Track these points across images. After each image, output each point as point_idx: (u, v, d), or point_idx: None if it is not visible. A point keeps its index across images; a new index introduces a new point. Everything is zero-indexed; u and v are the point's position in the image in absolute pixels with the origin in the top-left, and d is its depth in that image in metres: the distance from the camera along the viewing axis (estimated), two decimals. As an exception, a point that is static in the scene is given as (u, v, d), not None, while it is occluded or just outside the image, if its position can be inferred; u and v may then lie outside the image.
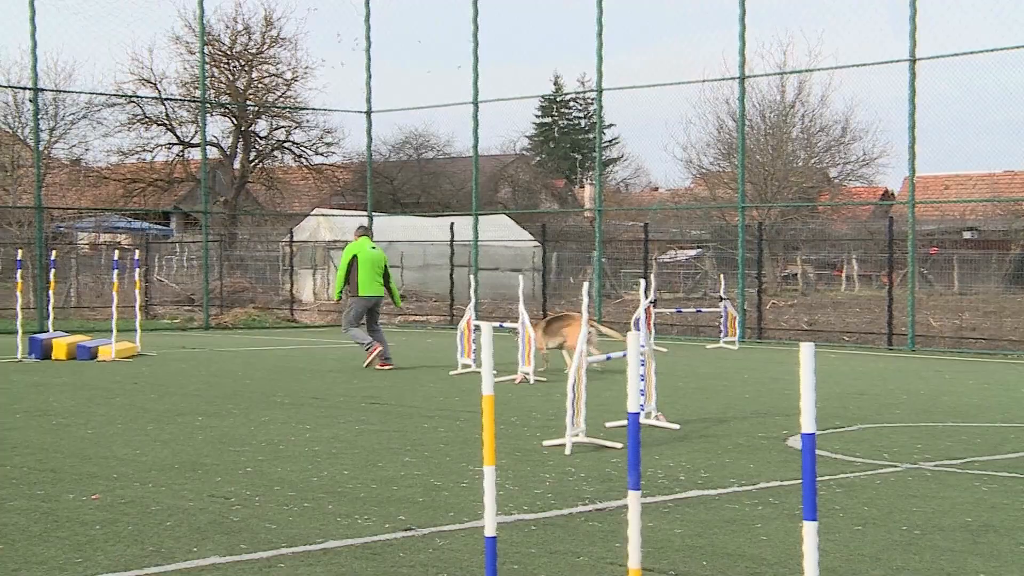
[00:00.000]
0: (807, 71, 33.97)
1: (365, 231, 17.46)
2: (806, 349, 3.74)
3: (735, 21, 23.37)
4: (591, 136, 58.58)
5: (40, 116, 28.84)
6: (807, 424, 3.76)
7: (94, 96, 35.26)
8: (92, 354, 17.36)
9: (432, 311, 30.50)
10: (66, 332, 18.85)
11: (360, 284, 16.57)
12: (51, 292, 19.02)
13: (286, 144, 41.98)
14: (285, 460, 8.63)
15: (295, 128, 41.57)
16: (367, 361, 16.29)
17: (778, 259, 36.40)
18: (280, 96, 40.88)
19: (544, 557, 5.83)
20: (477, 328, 15.29)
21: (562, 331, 15.22)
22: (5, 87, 32.03)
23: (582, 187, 56.58)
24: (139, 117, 39.09)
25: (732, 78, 25.40)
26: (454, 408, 11.90)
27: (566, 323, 15.29)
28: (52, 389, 13.56)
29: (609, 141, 57.36)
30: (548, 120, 62.91)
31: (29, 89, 27.71)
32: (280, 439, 9.66)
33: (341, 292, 17.26)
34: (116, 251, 22.47)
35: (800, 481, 4.37)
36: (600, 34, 24.93)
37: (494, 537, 4.42)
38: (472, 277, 20.22)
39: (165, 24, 51.74)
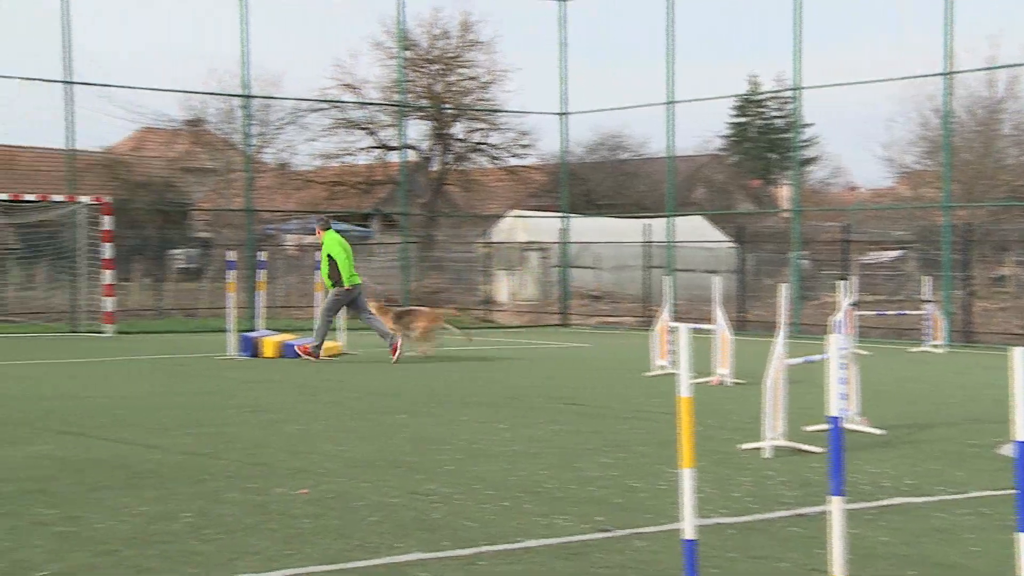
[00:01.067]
0: (1018, 65, 32.63)
1: (329, 223, 18.22)
2: (1018, 354, 3.61)
3: (940, 15, 22.65)
4: (788, 135, 57.55)
5: (250, 122, 29.96)
6: (1021, 431, 3.62)
7: (300, 102, 36.44)
8: (299, 352, 17.91)
9: (626, 313, 30.46)
10: (275, 331, 19.48)
11: (346, 275, 17.42)
12: (262, 292, 19.64)
13: (482, 146, 42.54)
14: (483, 459, 8.75)
15: (491, 130, 42.07)
16: (396, 357, 17.19)
17: (987, 260, 35.07)
18: (476, 99, 41.43)
19: (744, 562, 5.76)
20: (673, 330, 15.21)
21: (411, 325, 17.81)
22: (219, 94, 33.35)
23: (779, 187, 55.63)
24: (342, 121, 40.18)
25: (937, 74, 24.58)
26: (650, 409, 11.87)
27: (414, 318, 17.96)
28: (261, 386, 14.07)
29: (807, 140, 56.23)
30: (744, 119, 62.05)
31: (240, 96, 28.80)
32: (478, 438, 9.80)
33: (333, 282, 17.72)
34: (319, 252, 23.12)
35: (1013, 491, 4.21)
36: (798, 31, 24.48)
37: (693, 540, 4.40)
38: (668, 279, 20.11)
39: (367, 31, 52.87)
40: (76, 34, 25.57)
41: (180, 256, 37.51)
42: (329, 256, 17.61)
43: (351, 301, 17.72)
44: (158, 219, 37.37)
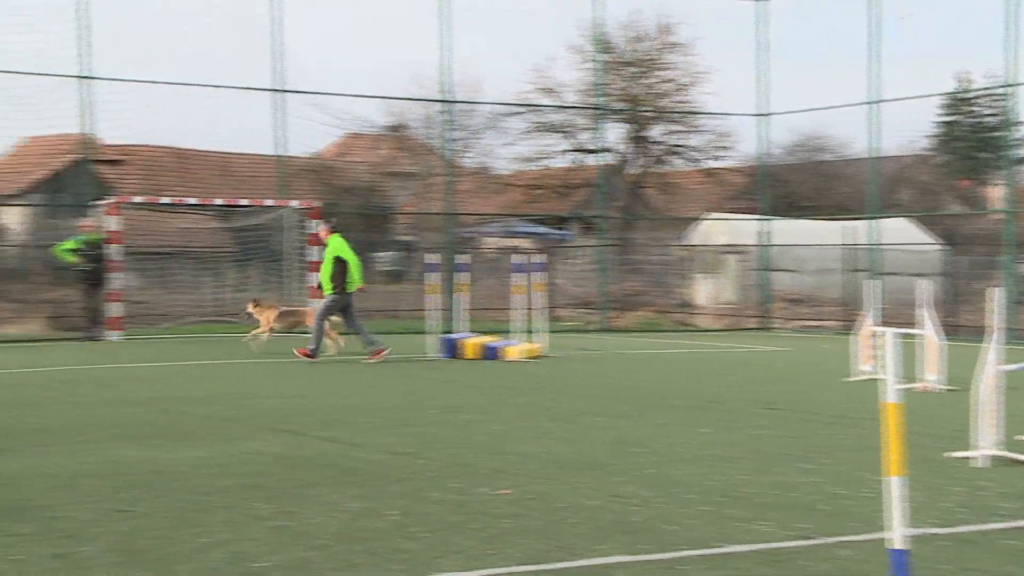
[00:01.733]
0: None
1: (336, 225, 18.16)
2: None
3: None
4: (1001, 134, 55.37)
5: (451, 127, 30.49)
6: None
7: (498, 106, 36.90)
8: (498, 354, 18.13)
9: (828, 317, 29.80)
10: (475, 333, 19.73)
11: (352, 280, 17.53)
12: (463, 294, 19.90)
13: (679, 148, 42.26)
14: (682, 463, 8.70)
15: (689, 133, 41.76)
16: (374, 360, 17.24)
17: None
18: (674, 101, 41.19)
19: (960, 574, 5.58)
20: (878, 334, 14.82)
21: (293, 319, 19.57)
22: (420, 100, 34.04)
23: (991, 187, 53.53)
24: (539, 125, 40.50)
25: None
26: (852, 415, 11.59)
27: (298, 318, 19.57)
28: (461, 387, 14.31)
29: (1021, 138, 53.95)
30: (953, 118, 59.92)
31: (441, 101, 29.32)
32: (677, 442, 9.75)
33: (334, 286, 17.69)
34: (519, 255, 23.36)
35: None
36: (1011, 25, 23.53)
37: (903, 550, 4.29)
38: (872, 282, 19.59)
39: (565, 35, 53.16)
40: (287, 44, 26.45)
41: (383, 259, 38.42)
42: (337, 258, 17.53)
43: (344, 306, 17.74)
44: (362, 223, 38.36)
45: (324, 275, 17.83)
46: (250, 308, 19.70)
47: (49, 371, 16.45)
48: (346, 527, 6.51)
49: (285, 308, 20.34)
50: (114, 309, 22.91)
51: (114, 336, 22.60)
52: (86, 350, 20.52)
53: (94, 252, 22.67)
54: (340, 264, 17.57)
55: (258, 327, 19.44)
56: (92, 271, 22.61)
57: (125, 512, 6.81)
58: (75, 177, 28.18)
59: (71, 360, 18.29)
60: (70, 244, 22.95)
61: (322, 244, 18.34)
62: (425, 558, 5.85)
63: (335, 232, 17.93)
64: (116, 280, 23.14)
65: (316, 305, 18.77)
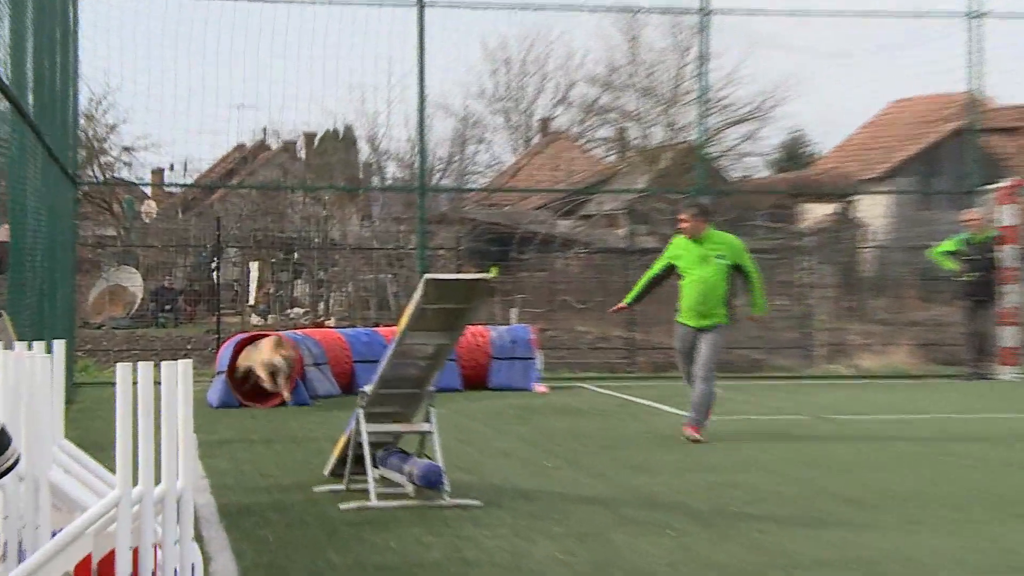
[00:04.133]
0: None
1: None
2: None
3: None
4: None
5: None
6: None
7: None
8: None
9: None
10: None
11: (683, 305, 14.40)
12: None
13: None
14: None
15: None
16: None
17: None
18: None
19: None
20: None
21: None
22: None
23: None
24: None
25: None
26: None
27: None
28: None
29: None
30: None
31: None
32: None
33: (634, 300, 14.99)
34: None
35: None
36: None
37: None
38: None
39: None
40: None
41: None
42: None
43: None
44: None
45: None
46: None
47: (917, 419, 16.93)
48: None
49: None
50: (1009, 336, 22.81)
51: (1007, 374, 22.56)
52: (969, 392, 20.83)
53: (982, 256, 22.54)
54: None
55: None
56: (979, 282, 22.47)
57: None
58: (956, 153, 28.79)
59: (947, 405, 18.70)
60: (949, 245, 23.15)
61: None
62: None
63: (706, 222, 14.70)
64: (1012, 295, 22.97)
65: None
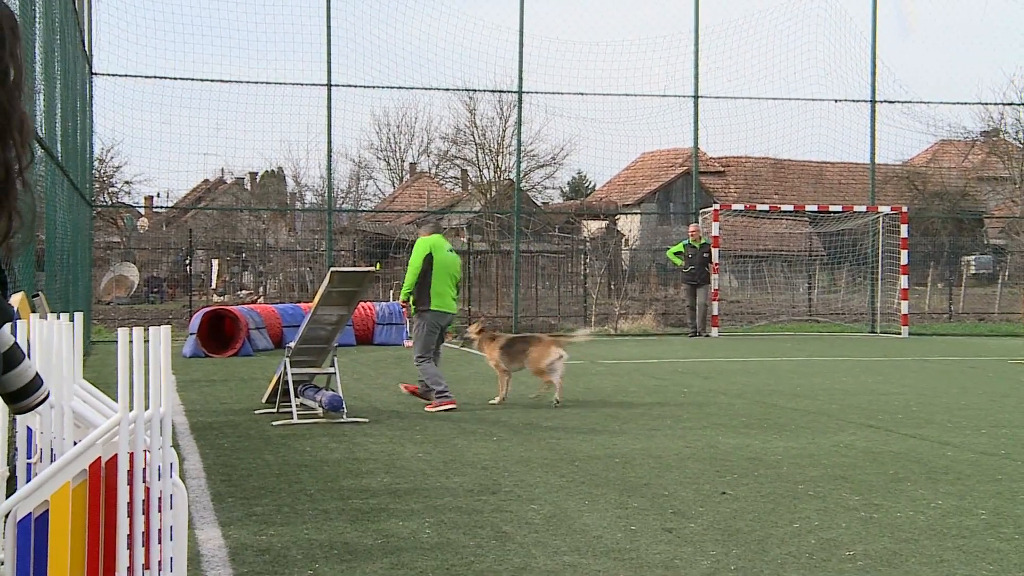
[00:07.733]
0: None
1: (439, 228, 12.49)
2: None
3: None
4: None
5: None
6: None
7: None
8: None
9: None
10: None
11: (432, 295, 11.61)
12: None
13: None
14: None
15: None
16: (436, 408, 11.23)
17: None
18: None
19: None
20: None
21: (524, 355, 11.88)
22: (1018, 104, 31.81)
23: None
24: None
25: None
26: None
27: (530, 345, 11.95)
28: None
29: None
30: None
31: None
32: None
33: (408, 295, 11.79)
34: None
35: None
36: None
37: None
38: None
39: None
40: (879, 56, 25.77)
41: (972, 262, 36.36)
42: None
43: (440, 331, 11.91)
44: (951, 227, 36.53)
45: None
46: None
47: (657, 362, 17.24)
48: (935, 523, 6.24)
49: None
50: (716, 308, 23.53)
51: (715, 333, 23.19)
52: (691, 344, 21.29)
53: (699, 256, 23.32)
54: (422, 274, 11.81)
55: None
56: (697, 272, 23.28)
57: (726, 495, 6.99)
58: (684, 188, 29.29)
59: (676, 353, 19.06)
60: (678, 248, 23.89)
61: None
62: (1017, 559, 5.47)
63: (437, 234, 12.10)
64: (717, 281, 23.77)
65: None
